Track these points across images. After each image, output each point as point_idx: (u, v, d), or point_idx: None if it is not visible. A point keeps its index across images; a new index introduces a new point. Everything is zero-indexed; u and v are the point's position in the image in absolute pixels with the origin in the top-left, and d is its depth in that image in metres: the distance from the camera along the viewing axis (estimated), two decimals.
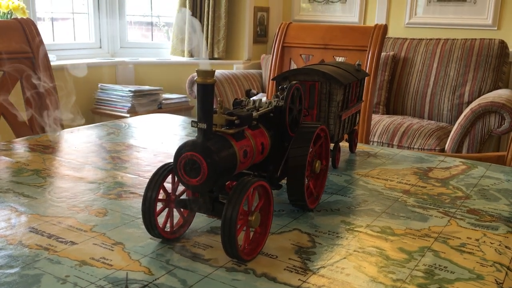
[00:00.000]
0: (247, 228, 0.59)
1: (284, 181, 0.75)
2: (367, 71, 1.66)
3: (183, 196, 0.67)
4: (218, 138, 0.60)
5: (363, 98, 1.65)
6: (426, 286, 0.55)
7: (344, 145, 1.16)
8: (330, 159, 0.95)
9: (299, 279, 0.56)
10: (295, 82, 0.74)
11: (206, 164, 0.57)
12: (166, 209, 0.64)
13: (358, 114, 1.11)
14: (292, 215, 0.74)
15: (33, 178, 0.88)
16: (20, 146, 1.10)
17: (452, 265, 0.60)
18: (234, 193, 0.55)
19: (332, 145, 0.97)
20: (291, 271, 0.57)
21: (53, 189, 0.83)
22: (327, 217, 0.74)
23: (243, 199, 0.55)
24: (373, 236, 0.68)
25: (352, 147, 1.12)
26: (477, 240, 0.68)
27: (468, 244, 0.66)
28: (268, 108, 0.72)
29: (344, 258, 0.61)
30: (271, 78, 0.93)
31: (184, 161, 0.58)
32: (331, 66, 0.97)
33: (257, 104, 0.72)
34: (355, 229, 0.70)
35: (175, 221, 0.66)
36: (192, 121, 0.60)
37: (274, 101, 0.73)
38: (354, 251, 0.63)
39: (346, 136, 1.10)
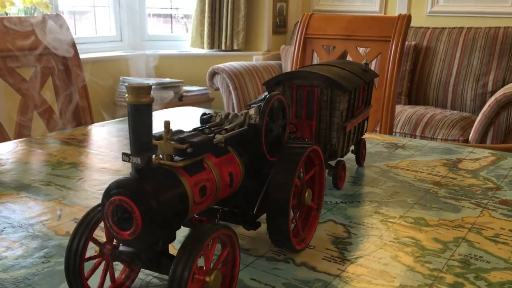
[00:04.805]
0: None
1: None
2: (390, 62, 1.65)
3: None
4: (162, 174, 0.45)
5: (386, 90, 1.65)
6: (463, 275, 0.56)
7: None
8: (331, 178, 0.82)
9: (337, 268, 0.57)
10: (276, 92, 0.60)
11: (139, 212, 0.42)
12: (102, 262, 0.50)
13: (366, 122, 0.95)
14: (325, 207, 0.75)
15: (71, 171, 0.91)
16: (54, 140, 1.14)
17: (487, 255, 0.61)
18: (186, 247, 0.41)
19: (334, 161, 0.83)
20: (330, 261, 0.59)
21: (92, 181, 0.86)
22: (359, 208, 0.76)
23: (197, 255, 0.41)
24: (407, 226, 0.69)
25: (360, 160, 0.96)
26: (511, 230, 0.69)
27: (501, 234, 0.67)
28: (239, 129, 0.57)
29: (380, 248, 0.62)
30: (262, 83, 0.82)
31: (112, 208, 0.43)
32: (333, 67, 0.84)
33: (229, 121, 0.58)
34: (389, 220, 0.71)
35: (116, 275, 0.51)
36: (123, 153, 0.44)
37: (252, 118, 0.58)
38: (389, 241, 0.64)
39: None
